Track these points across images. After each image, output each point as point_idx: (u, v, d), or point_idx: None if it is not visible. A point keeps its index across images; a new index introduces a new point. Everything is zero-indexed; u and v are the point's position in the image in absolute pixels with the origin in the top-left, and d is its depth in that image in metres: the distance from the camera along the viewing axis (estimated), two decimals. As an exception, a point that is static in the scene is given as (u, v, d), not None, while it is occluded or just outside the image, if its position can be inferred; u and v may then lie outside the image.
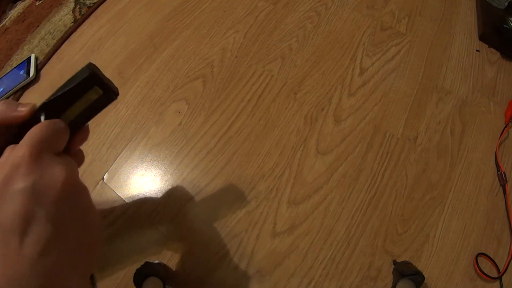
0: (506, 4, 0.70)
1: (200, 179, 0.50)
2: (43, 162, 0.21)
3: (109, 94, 0.27)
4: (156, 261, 0.44)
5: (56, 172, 0.21)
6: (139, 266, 0.41)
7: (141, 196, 0.49)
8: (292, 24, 0.66)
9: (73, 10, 0.68)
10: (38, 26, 0.67)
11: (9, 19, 0.69)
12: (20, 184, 0.20)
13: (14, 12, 0.71)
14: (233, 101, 0.57)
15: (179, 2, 0.68)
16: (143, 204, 0.48)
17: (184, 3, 0.68)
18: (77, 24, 0.66)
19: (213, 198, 0.49)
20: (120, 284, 0.43)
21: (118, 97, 0.28)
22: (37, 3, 0.71)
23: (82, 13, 0.67)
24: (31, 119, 0.24)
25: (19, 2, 0.73)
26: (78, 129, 0.27)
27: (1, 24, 0.69)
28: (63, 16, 0.68)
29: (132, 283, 0.39)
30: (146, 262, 0.42)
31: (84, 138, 0.28)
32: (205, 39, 0.63)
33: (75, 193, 0.22)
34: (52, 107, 0.25)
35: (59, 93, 0.25)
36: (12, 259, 0.18)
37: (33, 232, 0.19)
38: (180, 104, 0.56)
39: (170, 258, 0.45)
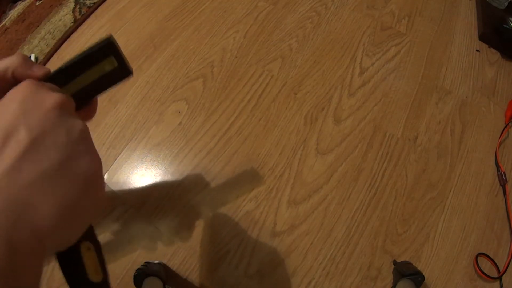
0: (506, 4, 0.70)
1: (201, 179, 0.50)
2: (40, 86, 0.21)
3: (123, 69, 0.26)
4: (156, 261, 0.44)
5: (49, 95, 0.20)
6: (139, 266, 0.41)
7: (141, 196, 0.49)
8: (292, 24, 0.66)
9: (73, 10, 0.68)
10: (38, 26, 0.67)
11: (9, 19, 0.69)
12: (14, 98, 0.19)
13: (14, 12, 0.71)
14: (233, 101, 0.57)
15: (179, 2, 0.68)
16: (143, 204, 0.48)
17: (184, 3, 0.68)
18: (77, 24, 0.66)
19: (214, 198, 0.49)
20: (120, 284, 0.43)
21: (124, 82, 0.27)
22: (37, 3, 0.71)
23: (82, 13, 0.67)
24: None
25: (19, 2, 0.73)
26: (85, 102, 0.27)
27: (1, 24, 0.69)
28: (63, 16, 0.68)
29: (132, 283, 0.39)
30: (146, 262, 0.43)
31: (90, 113, 0.27)
32: (205, 39, 0.63)
33: (65, 120, 0.20)
34: (65, 72, 0.25)
35: (75, 59, 0.24)
36: None
37: (9, 146, 0.17)
38: (180, 104, 0.56)
39: (170, 258, 0.45)
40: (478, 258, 0.47)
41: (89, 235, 0.23)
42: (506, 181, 0.52)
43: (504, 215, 0.50)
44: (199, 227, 0.47)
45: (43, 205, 0.17)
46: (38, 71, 0.23)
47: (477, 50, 0.66)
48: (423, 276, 0.41)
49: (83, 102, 0.26)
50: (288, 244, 0.46)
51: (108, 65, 0.25)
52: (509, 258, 0.47)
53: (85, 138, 0.21)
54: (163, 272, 0.42)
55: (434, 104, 0.59)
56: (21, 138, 0.18)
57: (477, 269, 0.46)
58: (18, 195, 0.17)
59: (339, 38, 0.65)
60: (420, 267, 0.46)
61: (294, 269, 0.45)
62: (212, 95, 0.57)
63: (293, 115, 0.56)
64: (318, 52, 0.63)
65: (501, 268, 0.46)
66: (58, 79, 0.24)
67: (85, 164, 0.20)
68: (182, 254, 0.45)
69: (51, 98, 0.20)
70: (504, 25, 0.66)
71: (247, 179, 0.50)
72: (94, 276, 0.22)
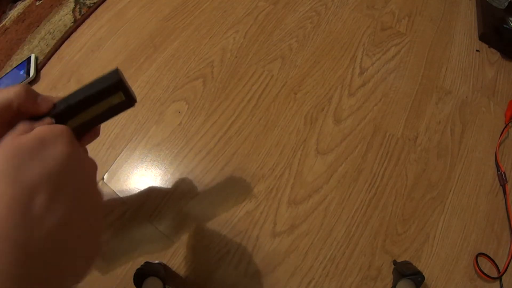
0: (506, 4, 0.70)
1: (200, 179, 0.50)
2: (78, 144, 0.22)
3: (130, 100, 0.27)
4: (156, 261, 0.44)
5: (88, 159, 0.22)
6: (139, 266, 0.41)
7: (141, 196, 0.49)
8: (292, 24, 0.66)
9: (73, 10, 0.68)
10: (38, 26, 0.67)
11: (9, 19, 0.69)
12: (60, 148, 0.20)
13: (14, 12, 0.71)
14: (233, 101, 0.57)
15: (179, 2, 0.68)
16: (143, 204, 0.48)
17: (184, 3, 0.68)
18: (77, 24, 0.66)
19: (213, 198, 0.49)
20: (120, 284, 0.43)
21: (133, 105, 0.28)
22: (37, 3, 0.71)
23: (82, 13, 0.67)
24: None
25: (19, 2, 0.73)
26: (90, 129, 0.27)
27: (1, 24, 0.69)
28: (63, 16, 0.68)
29: (132, 283, 0.39)
30: (146, 262, 0.43)
31: (94, 137, 0.29)
32: (205, 39, 0.63)
33: (78, 166, 0.21)
34: (71, 109, 0.25)
35: (83, 95, 0.25)
36: (28, 216, 0.17)
37: (61, 196, 0.19)
38: (180, 104, 0.56)
39: (170, 258, 0.45)
40: (478, 258, 0.47)
41: None
42: (506, 181, 0.52)
43: (504, 215, 0.50)
44: (199, 227, 0.47)
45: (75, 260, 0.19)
46: (43, 105, 0.24)
47: (477, 50, 0.66)
48: (423, 276, 0.41)
49: (88, 130, 0.27)
50: (288, 244, 0.46)
51: (116, 99, 0.26)
52: (509, 258, 0.47)
53: (95, 183, 0.23)
54: (163, 272, 0.42)
55: (434, 104, 0.59)
56: (70, 194, 0.19)
57: (477, 269, 0.46)
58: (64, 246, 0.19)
59: (339, 38, 0.65)
60: (420, 267, 0.46)
61: (294, 269, 0.45)
62: (212, 95, 0.57)
63: (293, 115, 0.56)
64: (318, 52, 0.63)
65: (501, 268, 0.46)
66: (65, 115, 0.25)
67: (96, 208, 0.22)
68: (182, 254, 0.45)
69: (90, 164, 0.22)
70: (504, 25, 0.66)
71: (247, 179, 0.50)
72: None
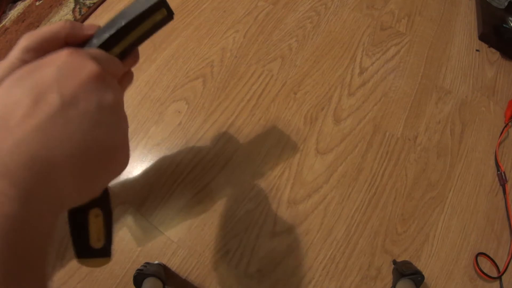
0: (506, 4, 0.70)
1: (200, 179, 0.50)
2: (79, 52, 0.21)
3: (171, 15, 0.26)
4: (156, 262, 0.44)
5: (87, 63, 0.20)
6: (138, 267, 0.41)
7: (141, 196, 0.49)
8: (292, 24, 0.66)
9: (73, 10, 0.68)
10: (38, 26, 0.67)
11: (9, 19, 0.69)
12: (51, 64, 0.19)
13: (14, 12, 0.71)
14: (233, 100, 0.57)
15: (179, 2, 0.68)
16: (143, 204, 0.48)
17: (184, 3, 0.68)
18: (77, 24, 0.66)
19: (213, 198, 0.49)
20: (120, 284, 0.43)
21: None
22: (37, 3, 0.71)
23: (82, 13, 0.67)
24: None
25: (19, 2, 0.73)
26: (132, 52, 0.27)
27: (1, 24, 0.69)
28: (63, 16, 0.68)
29: (132, 283, 0.39)
30: (146, 263, 0.43)
31: (135, 60, 0.28)
32: (205, 39, 0.63)
33: (99, 88, 0.20)
34: (116, 35, 0.24)
35: (128, 19, 0.24)
36: (6, 129, 0.16)
37: (41, 105, 0.18)
38: (180, 104, 0.56)
39: (169, 258, 0.45)
40: (478, 258, 0.47)
41: (101, 202, 0.23)
42: (506, 181, 0.52)
43: (504, 215, 0.50)
44: (199, 227, 0.47)
45: (65, 166, 0.18)
46: (89, 32, 0.24)
47: (477, 50, 0.66)
48: (423, 275, 0.41)
49: (130, 53, 0.26)
50: (288, 243, 0.46)
51: (158, 16, 0.25)
52: (509, 258, 0.47)
53: (115, 111, 0.21)
54: (163, 273, 0.42)
55: (434, 103, 0.59)
56: (52, 101, 0.18)
57: (477, 268, 0.46)
58: (43, 153, 0.17)
59: (339, 38, 0.65)
60: (420, 266, 0.46)
61: (294, 269, 0.45)
62: (212, 95, 0.57)
63: (293, 114, 0.56)
64: (318, 52, 0.63)
65: (501, 268, 0.46)
66: (109, 42, 0.24)
67: (109, 135, 0.20)
68: (182, 254, 0.45)
69: (89, 68, 0.20)
70: (504, 25, 0.66)
71: (247, 179, 0.50)
72: (96, 242, 0.23)
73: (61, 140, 0.18)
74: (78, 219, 0.22)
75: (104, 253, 0.23)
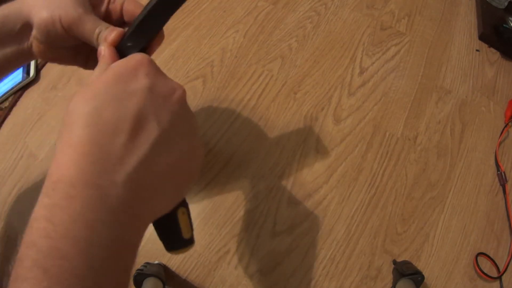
0: (506, 4, 0.70)
1: (200, 179, 0.50)
2: (160, 71, 0.22)
3: None
4: (156, 262, 0.44)
5: (174, 84, 0.21)
6: (138, 267, 0.41)
7: (141, 196, 0.49)
8: (292, 24, 0.66)
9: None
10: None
11: None
12: (139, 83, 0.19)
13: None
14: (232, 100, 0.57)
15: (179, 2, 0.68)
16: (143, 204, 0.48)
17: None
18: (77, 24, 0.66)
19: (213, 198, 0.49)
20: (120, 284, 0.43)
21: None
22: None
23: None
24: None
25: None
26: (157, 34, 0.28)
27: None
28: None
29: (132, 283, 0.39)
30: (146, 263, 0.43)
31: (160, 41, 0.30)
32: (205, 39, 0.63)
33: (186, 113, 0.22)
34: (144, 25, 0.25)
35: (151, 5, 0.24)
36: (108, 160, 0.17)
37: (143, 134, 0.18)
38: (180, 104, 0.56)
39: (169, 258, 0.45)
40: (478, 258, 0.47)
41: (183, 202, 0.27)
42: (506, 181, 0.52)
43: (504, 215, 0.50)
44: (199, 227, 0.47)
45: (164, 193, 0.20)
46: (116, 36, 0.24)
47: (477, 50, 0.66)
48: (423, 275, 0.41)
49: (156, 35, 0.28)
50: (288, 243, 0.46)
51: None
52: (509, 258, 0.47)
53: (197, 128, 0.23)
54: (163, 273, 0.42)
55: (434, 103, 0.59)
56: (152, 130, 0.18)
57: (477, 268, 0.46)
58: (148, 183, 0.18)
59: (339, 38, 0.65)
60: (420, 266, 0.46)
61: (294, 269, 0.45)
62: (212, 95, 0.57)
63: (293, 114, 0.56)
64: (318, 52, 0.63)
65: (501, 268, 0.46)
66: (139, 33, 0.25)
67: (200, 153, 0.23)
68: (182, 254, 0.45)
69: (178, 90, 0.21)
70: (504, 25, 0.66)
71: (247, 179, 0.50)
72: (186, 234, 0.27)
73: (165, 168, 0.19)
74: (170, 219, 0.25)
75: (192, 241, 0.28)
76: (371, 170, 0.52)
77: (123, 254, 0.19)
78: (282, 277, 0.44)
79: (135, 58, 0.21)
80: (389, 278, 0.45)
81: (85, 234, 0.16)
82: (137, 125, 0.18)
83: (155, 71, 0.21)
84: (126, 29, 0.26)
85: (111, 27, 0.24)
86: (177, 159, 0.20)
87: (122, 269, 0.19)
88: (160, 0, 0.24)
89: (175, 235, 0.26)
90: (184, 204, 0.27)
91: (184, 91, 0.21)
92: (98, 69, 0.21)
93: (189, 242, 0.28)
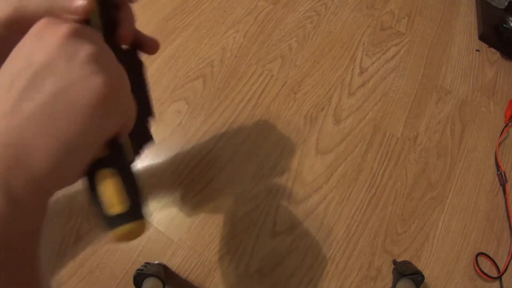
0: (506, 3, 0.70)
1: (200, 179, 0.50)
2: (55, 22, 0.18)
3: None
4: (156, 262, 0.44)
5: (58, 28, 0.18)
6: (138, 267, 0.41)
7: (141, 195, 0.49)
8: (292, 24, 0.66)
9: (73, 10, 0.68)
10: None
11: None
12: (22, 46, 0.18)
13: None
14: (233, 100, 0.57)
15: (179, 2, 0.68)
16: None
17: (184, 3, 0.68)
18: (77, 24, 0.66)
19: (213, 198, 0.49)
20: (120, 284, 0.43)
21: None
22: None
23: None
24: None
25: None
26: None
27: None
28: (63, 16, 0.67)
29: (132, 283, 0.39)
30: (146, 263, 0.43)
31: (132, 18, 0.25)
32: (205, 39, 0.63)
33: (71, 49, 0.18)
34: None
35: None
36: None
37: (13, 87, 0.17)
38: (180, 104, 0.56)
39: (169, 258, 0.45)
40: (478, 258, 0.47)
41: (112, 160, 0.19)
42: (506, 181, 0.52)
43: (504, 215, 0.50)
44: (199, 227, 0.47)
45: (40, 145, 0.16)
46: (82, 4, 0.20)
47: (477, 50, 0.66)
48: (423, 275, 0.41)
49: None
50: (288, 244, 0.46)
51: None
52: (509, 257, 0.47)
53: (93, 60, 0.18)
54: (163, 273, 0.42)
55: (434, 103, 0.59)
56: (23, 77, 0.17)
57: (477, 268, 0.46)
58: (14, 138, 0.16)
59: (339, 38, 0.65)
60: (420, 266, 0.46)
61: (294, 269, 0.45)
62: (212, 95, 0.57)
63: (293, 114, 0.56)
64: (318, 52, 0.63)
65: (501, 268, 0.46)
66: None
67: (89, 88, 0.17)
68: (182, 254, 0.45)
69: (59, 30, 0.18)
70: (504, 25, 0.66)
71: (247, 179, 0.50)
72: (114, 207, 0.18)
73: (31, 117, 0.16)
74: (89, 185, 0.18)
75: (130, 216, 0.18)
76: (371, 170, 0.52)
77: (13, 243, 0.15)
78: (282, 277, 0.44)
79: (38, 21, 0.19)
80: (389, 278, 0.45)
81: None
82: (12, 78, 0.17)
83: (46, 22, 0.18)
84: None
85: None
86: (53, 103, 0.17)
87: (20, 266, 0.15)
88: None
89: (97, 208, 0.18)
90: (111, 164, 0.19)
91: (67, 29, 0.18)
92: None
93: (123, 218, 0.18)
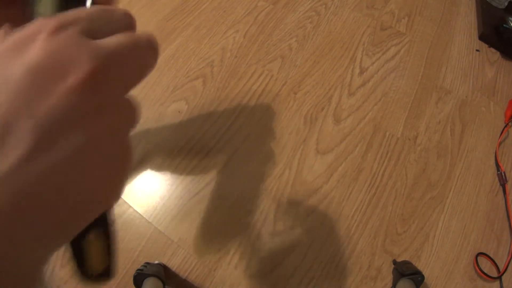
0: (506, 3, 0.70)
1: (200, 179, 0.50)
2: (65, 40, 0.12)
3: None
4: (156, 262, 0.44)
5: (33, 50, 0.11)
6: (138, 267, 0.41)
7: (141, 196, 0.49)
8: (292, 24, 0.66)
9: (73, 10, 0.68)
10: None
11: (9, 19, 0.69)
12: (17, 68, 0.11)
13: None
14: (233, 100, 0.57)
15: (179, 2, 0.68)
16: (143, 204, 0.48)
17: (184, 3, 0.68)
18: (77, 24, 0.66)
19: (213, 198, 0.49)
20: (120, 284, 0.43)
21: None
22: None
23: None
24: None
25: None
26: None
27: (1, 24, 0.69)
28: None
29: (132, 283, 0.39)
30: (146, 263, 0.43)
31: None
32: (205, 39, 0.63)
33: (78, 104, 0.11)
34: None
35: None
36: None
37: (8, 148, 0.10)
38: (180, 104, 0.56)
39: (169, 258, 0.45)
40: (478, 258, 0.47)
41: (99, 223, 0.19)
42: (506, 181, 0.52)
43: (504, 215, 0.50)
44: (199, 227, 0.47)
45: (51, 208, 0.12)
46: None
47: (477, 50, 0.66)
48: (423, 275, 0.41)
49: None
50: (288, 243, 0.46)
51: None
52: (509, 257, 0.47)
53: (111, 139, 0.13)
54: (163, 273, 0.42)
55: (434, 103, 0.59)
56: (25, 139, 0.11)
57: (477, 268, 0.46)
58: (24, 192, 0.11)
59: (339, 38, 0.65)
60: (420, 266, 0.46)
61: (294, 269, 0.45)
62: (212, 95, 0.57)
63: (293, 114, 0.56)
64: (318, 52, 0.63)
65: (501, 268, 0.46)
66: None
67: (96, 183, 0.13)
68: (182, 254, 0.45)
69: (76, 71, 0.11)
70: (504, 25, 0.66)
71: (247, 179, 0.50)
72: (97, 266, 0.19)
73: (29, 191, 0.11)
74: (74, 249, 0.19)
75: (106, 274, 0.20)
76: (371, 170, 0.52)
77: None
78: (282, 277, 0.44)
79: (36, 22, 0.12)
80: (389, 278, 0.45)
81: None
82: (6, 133, 0.11)
83: (54, 41, 0.12)
84: None
85: None
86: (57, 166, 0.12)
87: None
88: None
89: (80, 268, 0.19)
90: (100, 226, 0.19)
91: (89, 74, 0.11)
92: None
93: (102, 276, 0.20)
